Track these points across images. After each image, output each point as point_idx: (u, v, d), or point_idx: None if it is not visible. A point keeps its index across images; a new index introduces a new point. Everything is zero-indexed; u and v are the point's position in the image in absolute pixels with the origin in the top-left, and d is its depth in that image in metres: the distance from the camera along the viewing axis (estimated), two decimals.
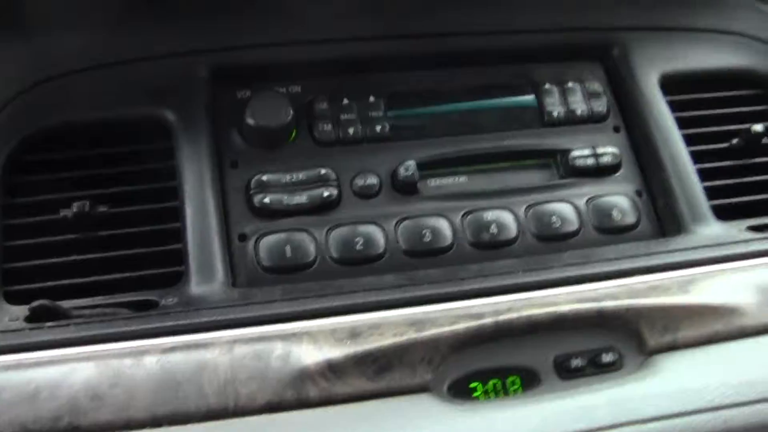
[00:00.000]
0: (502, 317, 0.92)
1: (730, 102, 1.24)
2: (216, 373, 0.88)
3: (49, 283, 0.99)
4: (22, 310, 0.96)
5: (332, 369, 0.89)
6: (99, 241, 1.03)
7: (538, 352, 0.95)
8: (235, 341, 0.90)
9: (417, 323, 0.91)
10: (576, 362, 0.94)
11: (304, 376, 0.88)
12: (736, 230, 1.11)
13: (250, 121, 1.07)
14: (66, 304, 0.97)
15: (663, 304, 0.96)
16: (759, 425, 0.90)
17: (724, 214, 1.13)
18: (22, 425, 0.84)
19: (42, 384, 0.86)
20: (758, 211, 1.15)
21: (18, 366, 0.88)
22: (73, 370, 0.87)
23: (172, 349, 0.89)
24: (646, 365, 0.95)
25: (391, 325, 0.91)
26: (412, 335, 0.90)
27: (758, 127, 1.18)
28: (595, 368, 0.94)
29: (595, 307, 0.94)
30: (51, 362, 0.88)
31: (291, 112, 1.08)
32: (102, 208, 1.03)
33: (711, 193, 1.14)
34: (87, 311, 0.97)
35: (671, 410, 0.88)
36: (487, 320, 0.92)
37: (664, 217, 1.13)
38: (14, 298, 0.98)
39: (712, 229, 1.10)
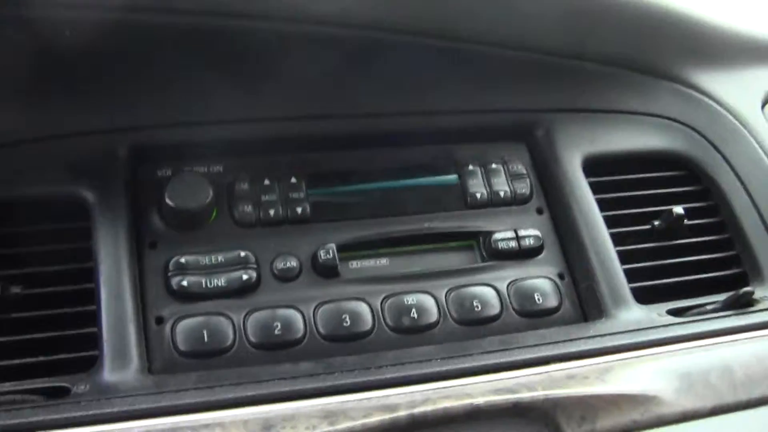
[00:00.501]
0: (416, 410, 0.91)
1: (652, 183, 1.25)
2: None
3: None
4: None
5: None
6: (10, 324, 1.00)
7: None
8: None
9: (330, 415, 0.90)
10: None
11: None
12: (655, 314, 1.11)
13: (170, 202, 1.05)
14: None
15: (580, 393, 0.96)
16: None
17: (644, 296, 1.14)
18: None
19: None
20: (678, 294, 1.16)
21: None
22: None
23: None
24: None
25: (304, 417, 0.90)
26: (324, 428, 0.89)
27: (678, 210, 1.19)
28: None
29: (512, 398, 0.94)
30: None
31: (211, 193, 1.07)
32: (15, 290, 1.00)
33: (632, 275, 1.15)
34: None
35: None
36: (402, 413, 0.91)
37: (585, 300, 1.13)
38: None
39: (632, 314, 1.11)
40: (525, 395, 0.94)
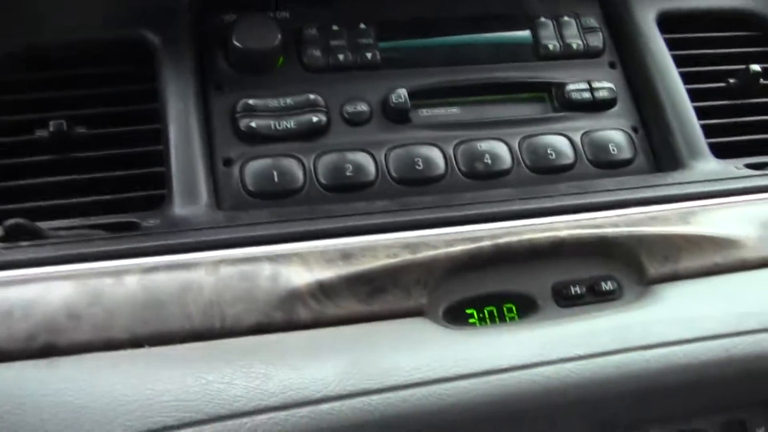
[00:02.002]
0: (501, 240, 0.89)
1: (728, 42, 1.21)
2: (201, 294, 0.84)
3: (25, 205, 0.94)
4: None
5: (323, 290, 0.85)
6: (76, 163, 0.98)
7: (535, 278, 0.92)
8: (221, 261, 0.86)
9: (411, 246, 0.88)
10: (575, 289, 0.91)
11: (294, 297, 0.84)
12: (733, 167, 1.08)
13: (237, 43, 1.03)
14: (42, 225, 0.92)
15: (663, 232, 0.94)
16: (759, 354, 0.88)
17: (720, 152, 1.11)
18: None
19: (16, 303, 0.82)
20: (754, 151, 1.13)
21: None
22: (49, 289, 0.83)
23: (155, 268, 0.85)
24: (646, 294, 0.92)
25: (384, 247, 0.88)
26: (406, 257, 0.87)
27: (756, 67, 1.16)
28: (594, 296, 0.92)
29: (596, 233, 0.92)
30: (26, 281, 0.84)
31: (279, 36, 1.04)
32: (81, 129, 0.98)
33: (708, 131, 1.12)
34: (64, 232, 0.92)
35: (673, 337, 0.86)
36: (486, 243, 0.89)
37: (660, 152, 1.11)
38: None
39: (709, 165, 1.08)
40: (609, 230, 0.92)
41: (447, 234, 0.91)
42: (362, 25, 1.10)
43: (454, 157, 1.04)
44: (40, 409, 0.76)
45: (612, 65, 1.17)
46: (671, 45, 1.17)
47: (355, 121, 1.05)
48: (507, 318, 0.90)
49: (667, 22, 1.19)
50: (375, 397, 0.78)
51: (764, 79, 1.17)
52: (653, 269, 0.93)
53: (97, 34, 1.05)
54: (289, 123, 1.02)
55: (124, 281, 0.84)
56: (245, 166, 1.00)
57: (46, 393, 0.77)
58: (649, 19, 1.18)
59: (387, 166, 1.02)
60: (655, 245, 0.93)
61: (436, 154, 1.03)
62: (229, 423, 0.76)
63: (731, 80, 1.17)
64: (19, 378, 0.78)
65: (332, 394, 0.78)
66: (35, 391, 0.77)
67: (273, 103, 1.03)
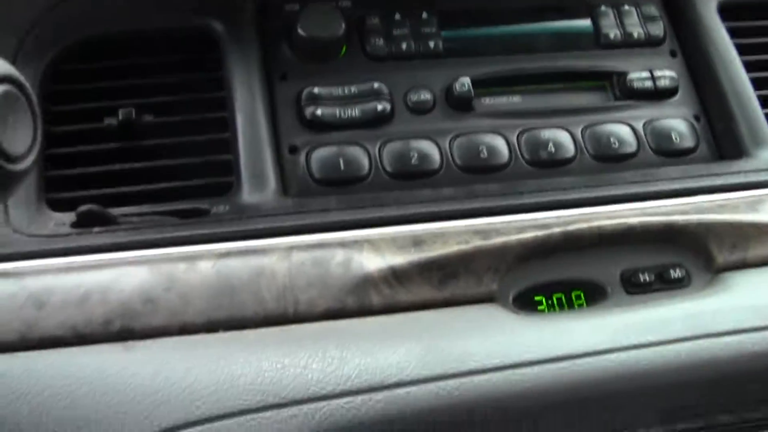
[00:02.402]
0: (570, 227, 0.89)
1: None
2: (274, 279, 0.85)
3: (94, 192, 0.95)
4: (68, 216, 0.93)
5: (395, 276, 0.86)
6: (145, 151, 0.99)
7: (604, 266, 0.92)
8: (293, 247, 0.87)
9: (482, 232, 0.89)
10: (644, 277, 0.91)
11: (366, 282, 0.85)
12: None
13: (302, 32, 1.03)
14: (113, 211, 0.93)
15: (732, 220, 0.94)
16: None
17: None
18: (73, 328, 0.81)
19: (92, 287, 0.83)
20: None
21: (67, 269, 0.85)
22: (124, 274, 0.84)
23: (228, 254, 0.86)
24: (715, 282, 0.92)
25: (455, 234, 0.89)
26: (478, 243, 0.88)
27: None
28: (663, 284, 0.92)
29: (664, 220, 0.92)
30: (101, 266, 0.86)
31: (343, 24, 1.04)
32: (148, 117, 0.99)
33: None
34: (135, 218, 0.94)
35: (745, 325, 0.86)
36: (556, 230, 0.89)
37: (723, 141, 1.10)
38: (58, 206, 0.94)
39: None
40: (678, 218, 0.92)
41: (517, 221, 0.91)
42: (424, 14, 1.11)
43: (518, 146, 1.04)
44: (117, 392, 0.77)
45: (673, 54, 1.16)
46: (733, 33, 1.16)
47: (419, 110, 1.05)
48: (576, 305, 0.90)
49: (729, 10, 1.18)
50: (450, 382, 0.79)
51: None
52: (722, 257, 0.93)
53: (164, 23, 1.06)
54: (354, 111, 1.03)
55: (198, 267, 0.85)
56: (311, 153, 1.00)
57: (123, 376, 0.78)
58: (711, 7, 1.17)
59: (451, 154, 1.02)
60: (724, 233, 0.93)
61: (499, 143, 1.04)
62: (305, 407, 0.77)
63: None
64: (96, 361, 0.80)
65: (407, 378, 0.79)
66: (112, 374, 0.78)
67: (337, 91, 1.04)
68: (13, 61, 0.98)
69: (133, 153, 1.00)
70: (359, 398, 0.77)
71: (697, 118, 1.12)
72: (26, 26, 1.01)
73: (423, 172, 1.01)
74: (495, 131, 1.05)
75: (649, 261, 0.93)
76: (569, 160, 1.05)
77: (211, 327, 0.83)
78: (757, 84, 1.13)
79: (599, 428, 0.85)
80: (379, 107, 1.03)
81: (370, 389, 0.78)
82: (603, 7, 1.16)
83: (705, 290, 0.91)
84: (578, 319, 0.87)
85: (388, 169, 1.01)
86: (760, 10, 1.21)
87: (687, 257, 0.93)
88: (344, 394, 0.78)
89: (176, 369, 0.79)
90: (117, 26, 1.05)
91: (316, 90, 1.04)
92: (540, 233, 0.89)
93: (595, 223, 0.90)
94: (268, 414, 0.77)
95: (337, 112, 1.03)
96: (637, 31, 1.15)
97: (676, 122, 1.10)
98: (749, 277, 0.92)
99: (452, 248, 0.87)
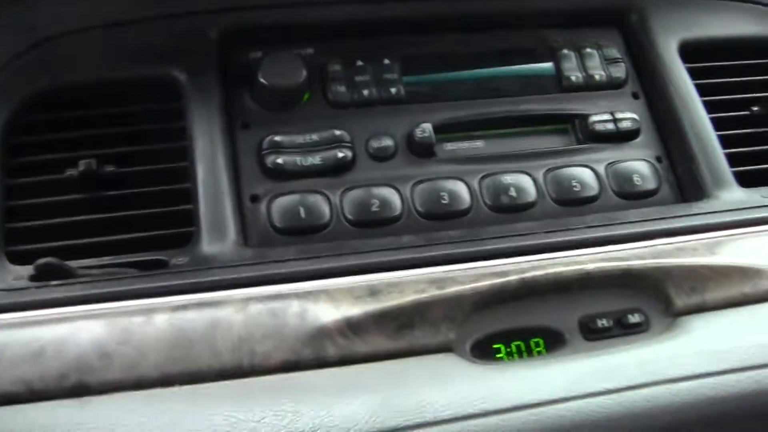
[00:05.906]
0: (527, 275, 0.89)
1: (750, 70, 1.21)
2: (230, 331, 0.85)
3: (54, 244, 0.95)
4: (26, 270, 0.93)
5: (351, 327, 0.86)
6: (106, 202, 0.99)
7: (562, 312, 0.92)
8: (250, 299, 0.87)
9: (438, 281, 0.89)
10: (602, 323, 0.91)
11: (322, 334, 0.85)
12: (759, 196, 1.08)
13: (263, 80, 1.04)
14: (72, 263, 0.93)
15: (690, 264, 0.94)
16: None
17: (746, 181, 1.10)
18: (27, 383, 0.81)
19: (48, 342, 0.83)
20: None
21: (23, 324, 0.85)
22: (80, 328, 0.85)
23: (184, 307, 0.87)
24: (674, 326, 0.92)
25: (411, 283, 0.89)
26: (433, 292, 0.88)
27: None
28: (622, 329, 0.92)
29: (622, 266, 0.92)
30: (57, 320, 0.85)
31: (305, 72, 1.05)
32: (109, 168, 0.99)
33: (732, 160, 1.12)
34: (94, 271, 0.94)
35: (701, 370, 0.86)
36: (512, 278, 0.89)
37: (685, 182, 1.10)
38: (17, 259, 0.94)
39: (734, 195, 1.08)
40: (636, 263, 0.93)
41: (474, 269, 0.91)
42: (386, 61, 1.11)
43: (480, 191, 1.04)
44: None
45: (635, 96, 1.17)
46: (694, 74, 1.17)
47: (381, 156, 1.05)
48: (535, 352, 0.90)
49: (689, 51, 1.19)
50: None
51: None
52: (680, 301, 0.93)
53: (124, 72, 1.07)
54: (315, 159, 1.03)
55: (154, 320, 0.85)
56: (272, 202, 1.01)
57: None
58: (672, 48, 1.18)
59: (413, 201, 1.02)
60: (682, 276, 0.93)
61: (461, 188, 1.04)
62: None
63: (755, 108, 1.18)
64: (51, 417, 0.79)
65: (362, 431, 0.78)
66: (67, 430, 0.77)
67: (299, 139, 1.04)
68: None
69: (95, 204, 0.99)
70: None
71: (659, 159, 1.12)
72: None
73: (384, 220, 1.01)
74: (456, 177, 1.05)
75: (608, 306, 0.93)
76: (531, 205, 1.05)
77: (166, 381, 0.83)
78: (717, 124, 1.13)
79: None
80: (340, 155, 1.04)
81: None
82: (565, 50, 1.17)
83: (663, 335, 0.91)
84: (535, 367, 0.87)
85: (349, 217, 1.01)
86: (720, 50, 1.22)
87: (646, 302, 0.93)
88: None
89: (130, 426, 0.78)
90: (79, 76, 1.06)
91: (277, 138, 1.04)
92: (497, 281, 0.89)
93: (552, 270, 0.90)
94: None
95: (299, 160, 1.03)
96: (598, 73, 1.16)
97: (638, 164, 1.10)
98: (707, 321, 0.92)
99: (408, 298, 0.87)
